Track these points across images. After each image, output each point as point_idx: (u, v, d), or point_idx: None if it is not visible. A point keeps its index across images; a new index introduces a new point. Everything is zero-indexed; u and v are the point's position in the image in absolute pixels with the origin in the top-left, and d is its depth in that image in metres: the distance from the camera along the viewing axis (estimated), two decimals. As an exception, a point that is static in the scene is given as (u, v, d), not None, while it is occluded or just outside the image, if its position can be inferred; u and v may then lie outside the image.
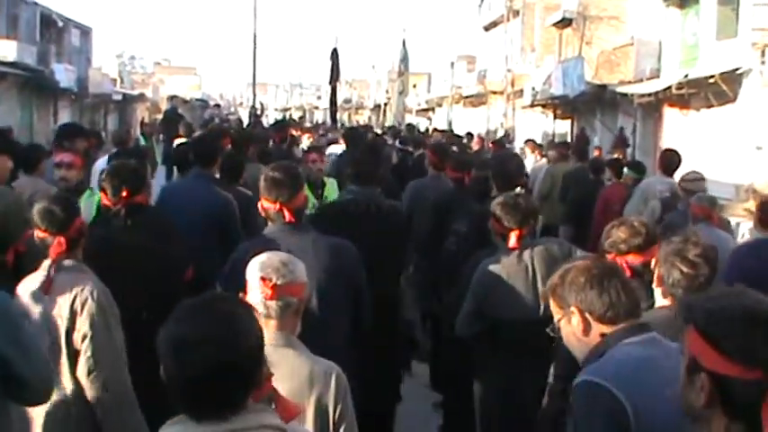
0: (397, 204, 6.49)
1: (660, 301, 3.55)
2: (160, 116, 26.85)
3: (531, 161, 14.87)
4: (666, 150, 11.80)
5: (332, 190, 7.88)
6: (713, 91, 16.81)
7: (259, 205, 4.27)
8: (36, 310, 3.69)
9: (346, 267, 4.27)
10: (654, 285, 3.58)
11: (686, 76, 17.34)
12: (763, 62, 15.71)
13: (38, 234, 3.86)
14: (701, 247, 3.49)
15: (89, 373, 3.68)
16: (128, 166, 4.98)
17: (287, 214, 4.15)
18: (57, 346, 3.67)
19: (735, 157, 16.29)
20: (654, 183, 9.15)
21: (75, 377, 3.70)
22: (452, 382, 6.15)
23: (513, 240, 4.71)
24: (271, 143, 11.27)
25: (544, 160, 14.14)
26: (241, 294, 3.03)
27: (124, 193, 4.69)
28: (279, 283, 2.98)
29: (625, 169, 10.29)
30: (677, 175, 8.67)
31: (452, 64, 43.36)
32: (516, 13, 35.70)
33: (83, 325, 3.67)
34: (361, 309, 4.37)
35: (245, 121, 25.65)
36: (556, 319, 2.97)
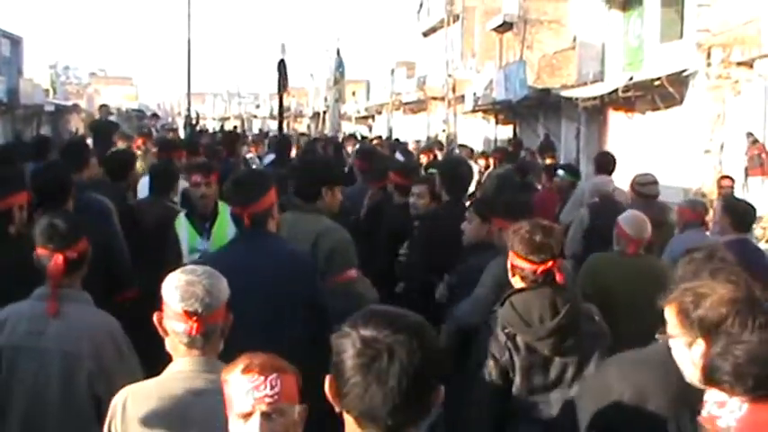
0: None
1: None
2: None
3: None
4: (602, 152, 11.56)
5: (224, 221, 5.39)
6: (659, 93, 16.60)
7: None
8: (42, 339, 3.35)
9: (300, 279, 4.03)
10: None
11: (631, 78, 17.10)
12: (708, 64, 15.51)
13: (38, 252, 3.51)
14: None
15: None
16: None
17: (245, 219, 4.02)
18: (71, 377, 3.36)
19: (682, 160, 16.07)
20: (588, 185, 8.83)
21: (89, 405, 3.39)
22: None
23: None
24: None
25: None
26: (157, 314, 2.87)
27: None
28: (204, 314, 2.80)
29: (560, 172, 9.87)
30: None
31: (392, 71, 43.00)
32: (456, 17, 35.41)
33: (105, 365, 3.38)
34: (314, 324, 4.02)
35: (181, 132, 24.80)
36: (673, 333, 2.68)
